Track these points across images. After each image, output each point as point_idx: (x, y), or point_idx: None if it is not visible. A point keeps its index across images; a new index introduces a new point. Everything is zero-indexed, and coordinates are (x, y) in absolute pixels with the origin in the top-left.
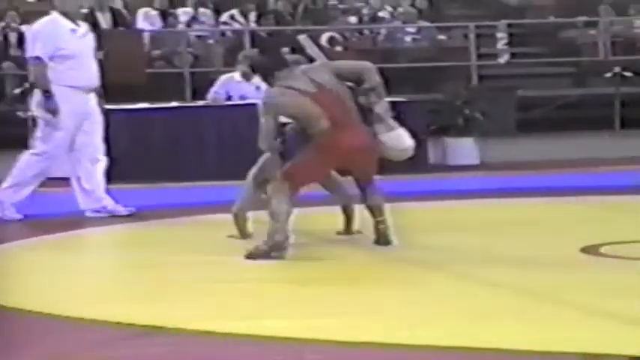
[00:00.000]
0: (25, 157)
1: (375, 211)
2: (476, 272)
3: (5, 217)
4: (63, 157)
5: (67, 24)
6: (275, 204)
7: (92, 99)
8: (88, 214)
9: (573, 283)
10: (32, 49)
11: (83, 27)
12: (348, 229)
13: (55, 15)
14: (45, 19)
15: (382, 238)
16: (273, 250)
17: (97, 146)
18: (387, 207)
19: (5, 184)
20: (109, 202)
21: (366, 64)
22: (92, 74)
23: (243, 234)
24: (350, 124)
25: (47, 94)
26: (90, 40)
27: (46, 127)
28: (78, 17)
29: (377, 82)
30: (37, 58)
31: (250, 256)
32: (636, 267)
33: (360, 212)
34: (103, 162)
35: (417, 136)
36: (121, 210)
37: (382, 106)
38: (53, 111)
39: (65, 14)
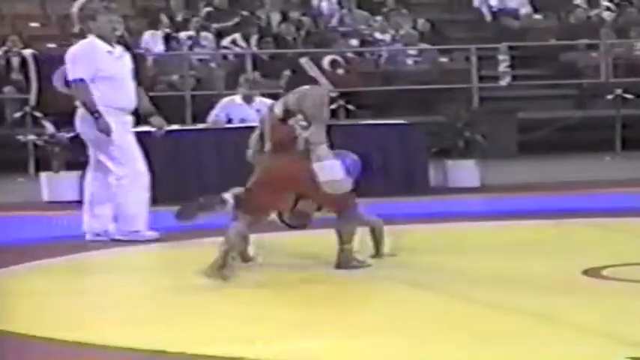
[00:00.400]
0: (115, 191)
1: (339, 237)
2: (476, 294)
3: (145, 237)
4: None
5: (104, 46)
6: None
7: (129, 121)
8: (89, 237)
9: (575, 305)
10: (74, 72)
11: (118, 49)
12: (377, 251)
13: (91, 38)
14: (83, 42)
15: (342, 264)
16: (220, 269)
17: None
18: (387, 228)
19: (123, 223)
20: (112, 228)
21: (311, 88)
22: (130, 96)
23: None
24: (292, 152)
25: (97, 114)
26: (127, 61)
27: (111, 148)
28: (113, 39)
29: (307, 107)
30: (81, 79)
31: (205, 274)
32: (638, 290)
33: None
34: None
35: (371, 164)
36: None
37: (312, 133)
38: (106, 131)
39: (101, 37)
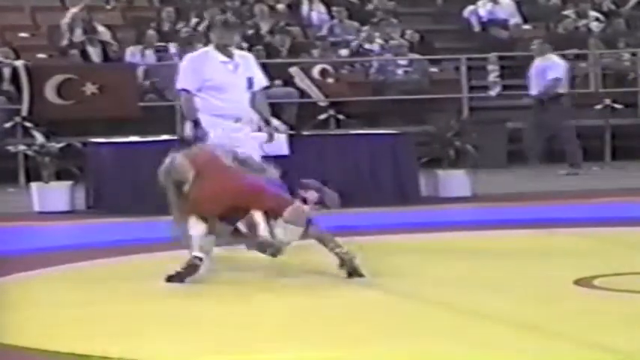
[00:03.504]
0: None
1: (324, 244)
2: (468, 304)
3: None
4: None
5: (219, 56)
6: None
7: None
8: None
9: (566, 315)
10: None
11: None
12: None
13: (208, 47)
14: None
15: (347, 267)
16: (188, 271)
17: None
18: (381, 239)
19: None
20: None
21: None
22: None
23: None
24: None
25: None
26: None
27: None
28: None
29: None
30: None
31: (169, 279)
32: (630, 300)
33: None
34: None
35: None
36: None
37: None
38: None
39: (218, 47)
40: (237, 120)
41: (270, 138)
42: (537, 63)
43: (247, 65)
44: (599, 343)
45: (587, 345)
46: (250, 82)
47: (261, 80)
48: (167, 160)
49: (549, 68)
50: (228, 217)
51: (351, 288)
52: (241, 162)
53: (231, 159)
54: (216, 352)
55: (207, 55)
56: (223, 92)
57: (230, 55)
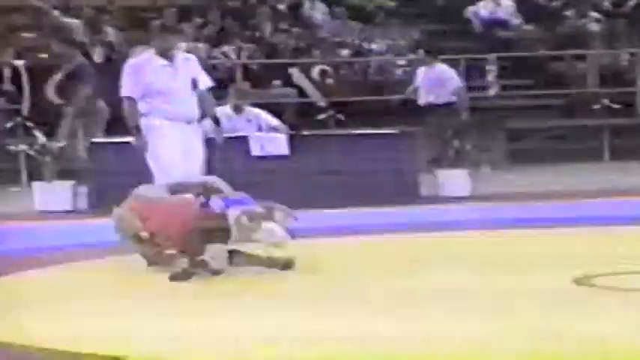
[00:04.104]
0: None
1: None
2: (466, 303)
3: None
4: None
5: (159, 60)
6: None
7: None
8: None
9: (566, 314)
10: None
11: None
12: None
13: (149, 52)
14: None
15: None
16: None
17: None
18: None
19: None
20: None
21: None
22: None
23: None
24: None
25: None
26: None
27: None
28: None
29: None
30: None
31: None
32: (629, 299)
33: None
34: None
35: None
36: None
37: None
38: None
39: (158, 52)
40: (188, 122)
41: (219, 138)
42: (426, 72)
43: (189, 67)
44: (598, 342)
45: (586, 344)
46: (194, 83)
47: (205, 81)
48: (114, 218)
49: (446, 77)
50: (206, 240)
51: (350, 288)
52: (184, 188)
53: (166, 191)
54: (216, 351)
55: (147, 60)
56: (168, 95)
57: (171, 58)
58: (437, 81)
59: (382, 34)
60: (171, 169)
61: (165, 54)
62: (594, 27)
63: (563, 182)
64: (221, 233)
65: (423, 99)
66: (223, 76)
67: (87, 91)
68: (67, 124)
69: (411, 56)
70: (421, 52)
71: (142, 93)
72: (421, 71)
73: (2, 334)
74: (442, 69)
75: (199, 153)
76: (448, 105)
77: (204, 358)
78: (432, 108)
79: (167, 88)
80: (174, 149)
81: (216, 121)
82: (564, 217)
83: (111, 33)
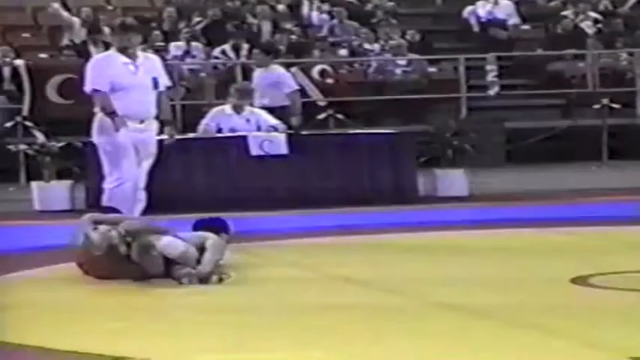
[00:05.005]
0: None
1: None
2: (465, 303)
3: None
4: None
5: (121, 58)
6: None
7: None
8: None
9: (564, 313)
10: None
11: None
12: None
13: (111, 50)
14: None
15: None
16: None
17: None
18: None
19: None
20: None
21: None
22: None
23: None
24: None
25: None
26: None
27: None
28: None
29: None
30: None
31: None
32: (626, 298)
33: None
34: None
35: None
36: None
37: None
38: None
39: (120, 49)
40: (142, 120)
41: (171, 139)
42: (262, 74)
43: (151, 66)
44: (596, 341)
45: (584, 343)
46: (156, 83)
47: (165, 81)
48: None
49: (282, 81)
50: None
51: (349, 288)
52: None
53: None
54: (215, 351)
55: (109, 58)
56: (127, 93)
57: (132, 57)
58: (272, 84)
59: (381, 34)
60: (122, 163)
61: (126, 52)
62: (593, 27)
63: (561, 182)
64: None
65: (257, 101)
66: (223, 76)
67: None
68: None
69: (410, 56)
70: (257, 52)
71: (109, 88)
72: (257, 73)
73: (1, 333)
74: (278, 72)
75: (152, 149)
76: (282, 108)
77: None
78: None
79: (128, 85)
80: (128, 144)
81: (169, 121)
82: (563, 217)
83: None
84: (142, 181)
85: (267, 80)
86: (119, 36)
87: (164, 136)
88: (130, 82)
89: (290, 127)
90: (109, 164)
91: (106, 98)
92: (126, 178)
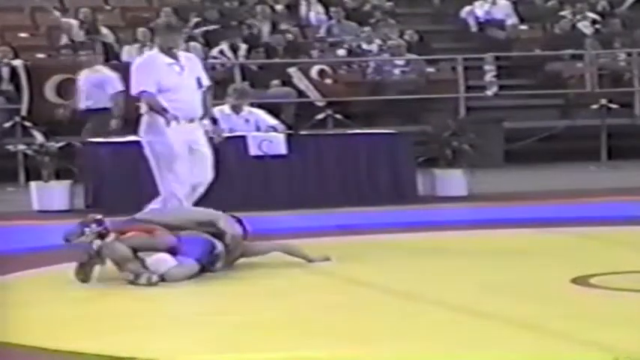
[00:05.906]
0: None
1: None
2: (465, 303)
3: None
4: None
5: (165, 59)
6: None
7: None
8: None
9: (564, 313)
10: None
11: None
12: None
13: (153, 51)
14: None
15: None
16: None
17: None
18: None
19: None
20: None
21: None
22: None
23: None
24: None
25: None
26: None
27: None
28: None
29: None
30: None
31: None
32: (626, 298)
33: None
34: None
35: None
36: None
37: None
38: None
39: (163, 50)
40: (191, 120)
41: (219, 137)
42: (88, 75)
43: (193, 66)
44: (596, 342)
45: (584, 343)
46: (199, 82)
47: (205, 81)
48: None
49: (106, 81)
50: None
51: (349, 288)
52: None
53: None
54: (215, 350)
55: (154, 59)
56: (175, 94)
57: (175, 57)
58: (97, 85)
59: (379, 34)
60: (175, 167)
61: (169, 52)
62: (591, 27)
63: (560, 182)
64: None
65: (82, 103)
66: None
67: None
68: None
69: (408, 56)
70: (85, 53)
71: (157, 89)
72: (83, 74)
73: (1, 333)
74: (103, 72)
75: (206, 150)
76: (105, 110)
77: None
78: (90, 113)
79: (175, 86)
80: (180, 147)
81: (214, 120)
82: (562, 217)
83: (108, 34)
84: (202, 188)
85: (92, 81)
86: (164, 36)
87: (212, 135)
88: (176, 82)
89: (290, 127)
90: (160, 168)
91: (154, 99)
92: (180, 180)
